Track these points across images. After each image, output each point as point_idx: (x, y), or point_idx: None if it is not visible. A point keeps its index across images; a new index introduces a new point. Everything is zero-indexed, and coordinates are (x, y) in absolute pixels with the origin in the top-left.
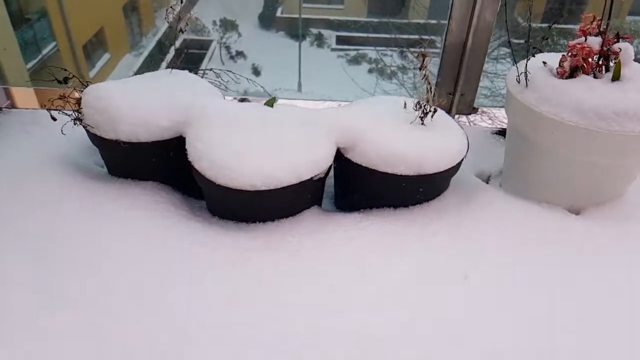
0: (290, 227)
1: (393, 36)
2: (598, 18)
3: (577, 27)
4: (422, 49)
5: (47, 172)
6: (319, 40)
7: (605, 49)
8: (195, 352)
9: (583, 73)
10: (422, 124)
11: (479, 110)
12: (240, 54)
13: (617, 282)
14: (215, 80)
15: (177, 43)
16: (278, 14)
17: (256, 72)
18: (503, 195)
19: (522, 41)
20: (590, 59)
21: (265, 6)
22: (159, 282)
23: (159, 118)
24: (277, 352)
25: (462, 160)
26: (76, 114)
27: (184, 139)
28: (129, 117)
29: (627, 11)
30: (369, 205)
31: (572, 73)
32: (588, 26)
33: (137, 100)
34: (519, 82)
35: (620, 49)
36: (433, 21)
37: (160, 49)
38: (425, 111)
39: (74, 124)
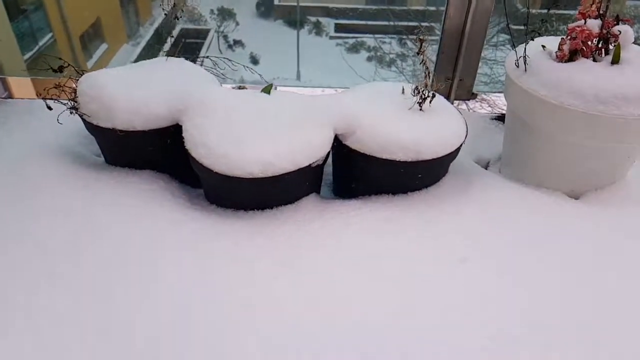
0: (289, 214)
1: (392, 23)
2: (598, 0)
3: (576, 12)
4: (420, 35)
5: (45, 161)
6: (317, 29)
7: (604, 31)
8: (194, 346)
9: (582, 56)
10: (421, 109)
11: (478, 97)
12: (238, 42)
13: (618, 266)
14: (213, 69)
15: (174, 32)
16: (276, 2)
17: (254, 60)
18: (502, 180)
19: (521, 27)
20: (589, 42)
21: None
22: (155, 270)
23: (155, 106)
24: (273, 342)
25: (461, 145)
26: (72, 102)
27: (181, 127)
28: (125, 105)
29: None
30: (368, 191)
31: (572, 56)
32: (588, 9)
33: (133, 88)
34: (518, 67)
35: (620, 32)
36: (432, 8)
37: (158, 38)
38: (423, 96)
39: (70, 113)
